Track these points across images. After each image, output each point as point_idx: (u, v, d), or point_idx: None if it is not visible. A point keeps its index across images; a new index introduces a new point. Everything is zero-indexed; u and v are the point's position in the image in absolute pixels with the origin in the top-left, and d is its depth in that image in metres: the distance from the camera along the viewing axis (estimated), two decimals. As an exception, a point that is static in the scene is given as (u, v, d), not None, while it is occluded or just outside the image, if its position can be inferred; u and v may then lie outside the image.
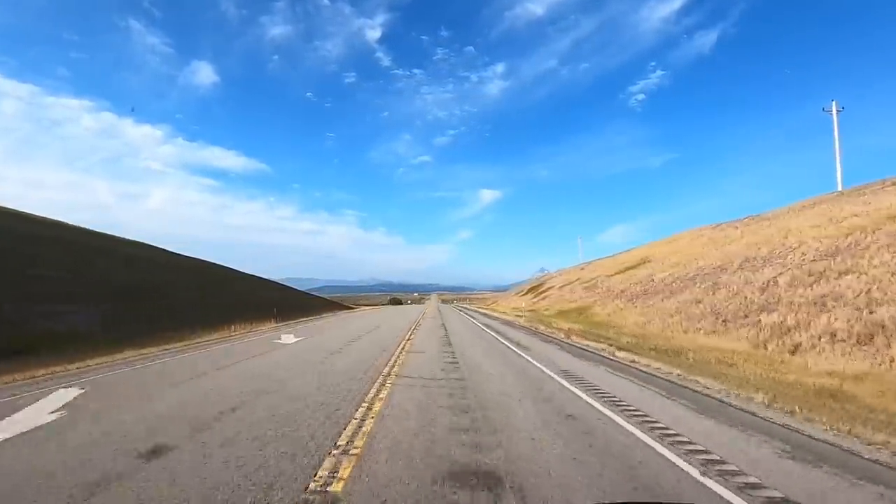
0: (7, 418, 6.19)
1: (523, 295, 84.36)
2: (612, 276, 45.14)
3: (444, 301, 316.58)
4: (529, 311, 50.59)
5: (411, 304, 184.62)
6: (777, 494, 3.91)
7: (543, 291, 67.29)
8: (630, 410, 6.93)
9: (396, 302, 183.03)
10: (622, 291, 35.62)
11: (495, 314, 41.80)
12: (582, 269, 72.21)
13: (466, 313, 43.00)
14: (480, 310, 58.45)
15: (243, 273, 57.64)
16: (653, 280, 33.84)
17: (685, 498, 3.83)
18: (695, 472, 4.39)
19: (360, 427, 5.86)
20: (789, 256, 22.19)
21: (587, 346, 15.72)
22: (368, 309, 77.44)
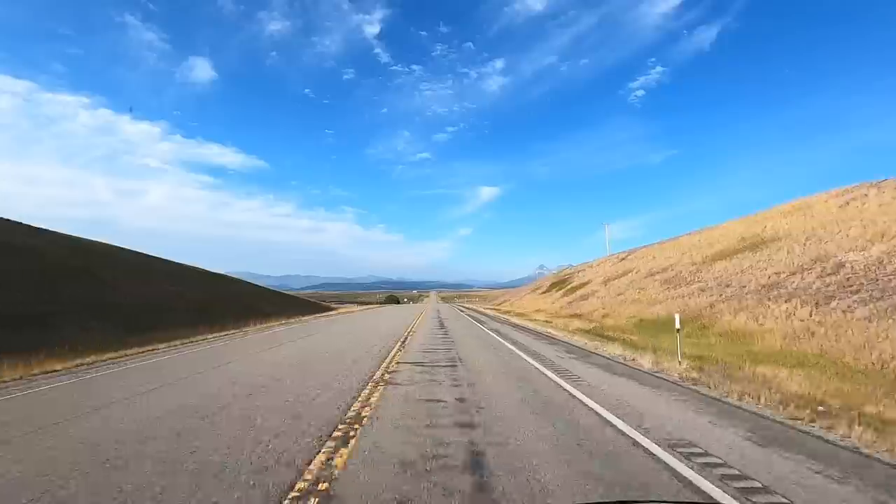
0: None
1: (543, 292, 68.74)
2: (709, 263, 29.49)
3: (443, 299, 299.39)
4: (572, 315, 34.93)
5: (409, 302, 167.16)
6: None
7: (577, 288, 51.61)
8: None
9: (393, 300, 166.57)
10: (769, 286, 20.01)
11: (540, 326, 26.08)
12: (622, 259, 56.56)
13: (481, 322, 27.08)
14: (504, 315, 42.33)
15: (166, 261, 41.83)
16: (843, 266, 18.24)
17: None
18: None
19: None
20: None
21: None
22: (356, 310, 61.82)
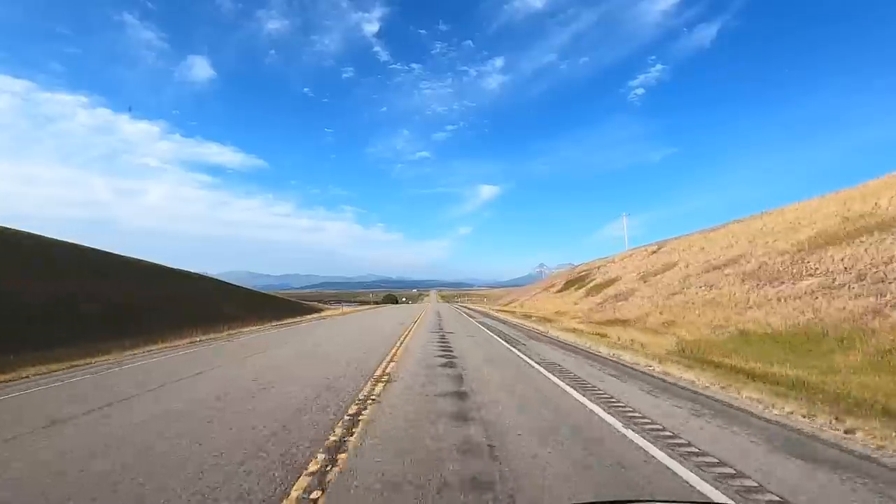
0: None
1: (559, 291, 60.74)
2: (810, 251, 21.53)
3: (444, 298, 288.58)
4: (613, 321, 27.00)
5: (407, 302, 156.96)
6: None
7: (604, 286, 43.61)
8: None
9: (391, 300, 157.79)
10: None
11: (604, 345, 17.12)
12: (654, 252, 48.68)
13: (506, 338, 17.97)
14: (526, 322, 34.13)
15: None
16: None
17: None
18: None
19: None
20: None
21: None
22: (345, 311, 53.53)
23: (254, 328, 25.70)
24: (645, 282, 35.51)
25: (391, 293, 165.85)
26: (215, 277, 54.90)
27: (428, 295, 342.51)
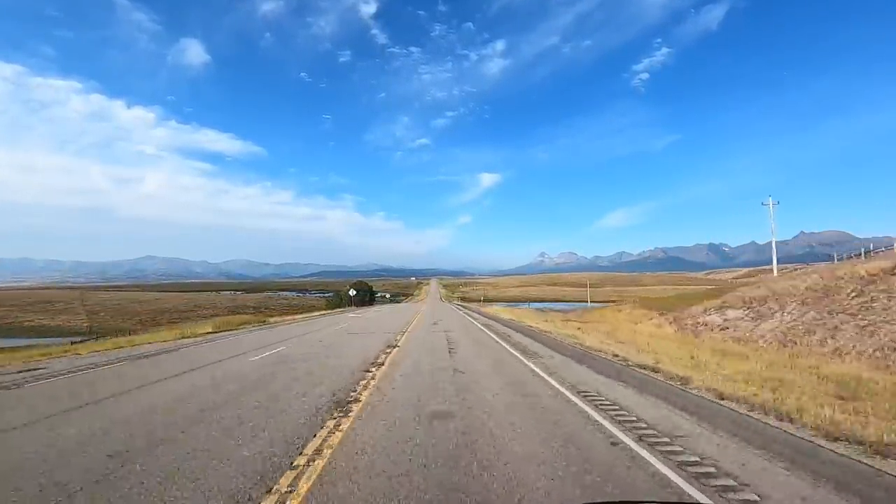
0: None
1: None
2: None
3: (445, 287, 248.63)
4: None
5: (394, 300, 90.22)
6: None
7: None
8: None
9: (361, 293, 76.02)
10: None
11: None
12: None
13: None
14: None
15: None
16: None
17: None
18: None
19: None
20: None
21: None
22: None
23: None
24: None
25: (362, 282, 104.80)
26: None
27: (428, 284, 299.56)
